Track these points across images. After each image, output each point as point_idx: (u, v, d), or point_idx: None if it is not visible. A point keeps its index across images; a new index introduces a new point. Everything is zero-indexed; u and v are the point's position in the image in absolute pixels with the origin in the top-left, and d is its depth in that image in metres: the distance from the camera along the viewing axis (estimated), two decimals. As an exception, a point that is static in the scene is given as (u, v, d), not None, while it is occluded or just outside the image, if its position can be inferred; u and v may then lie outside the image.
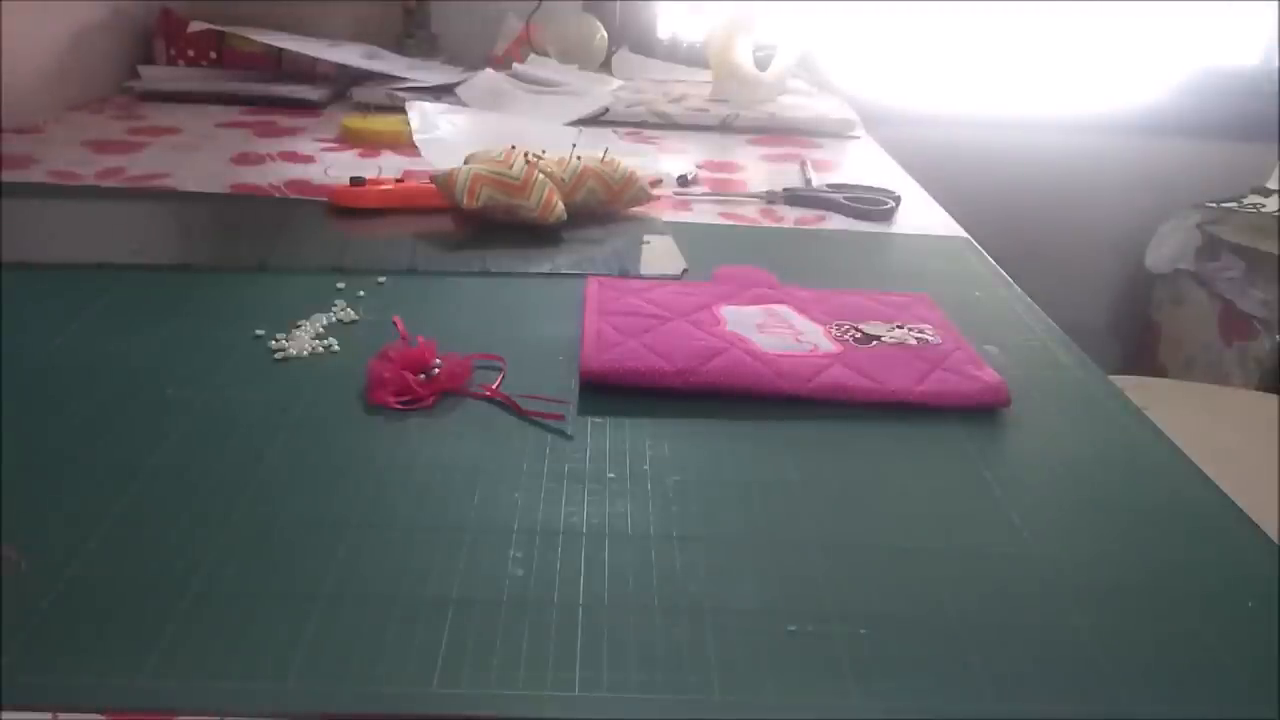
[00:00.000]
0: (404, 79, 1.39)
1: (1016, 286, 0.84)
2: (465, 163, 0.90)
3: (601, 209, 0.95)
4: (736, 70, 1.45)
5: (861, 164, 1.24)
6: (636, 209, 0.97)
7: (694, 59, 1.69)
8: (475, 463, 0.54)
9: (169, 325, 0.68)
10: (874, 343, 0.68)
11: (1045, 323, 0.77)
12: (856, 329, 0.70)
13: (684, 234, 0.91)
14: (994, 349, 0.70)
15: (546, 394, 0.60)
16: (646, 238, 0.90)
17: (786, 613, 0.44)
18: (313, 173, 1.05)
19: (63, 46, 1.30)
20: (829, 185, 1.08)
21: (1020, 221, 1.90)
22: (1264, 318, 1.69)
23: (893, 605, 0.45)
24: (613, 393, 0.61)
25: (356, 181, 0.94)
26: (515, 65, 1.49)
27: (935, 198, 1.10)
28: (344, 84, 1.41)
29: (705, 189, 1.07)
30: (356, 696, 0.38)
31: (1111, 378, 0.69)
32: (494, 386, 0.61)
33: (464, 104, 1.33)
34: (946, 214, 1.05)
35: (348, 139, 1.19)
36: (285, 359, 0.64)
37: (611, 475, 0.54)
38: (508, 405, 0.60)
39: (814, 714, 0.39)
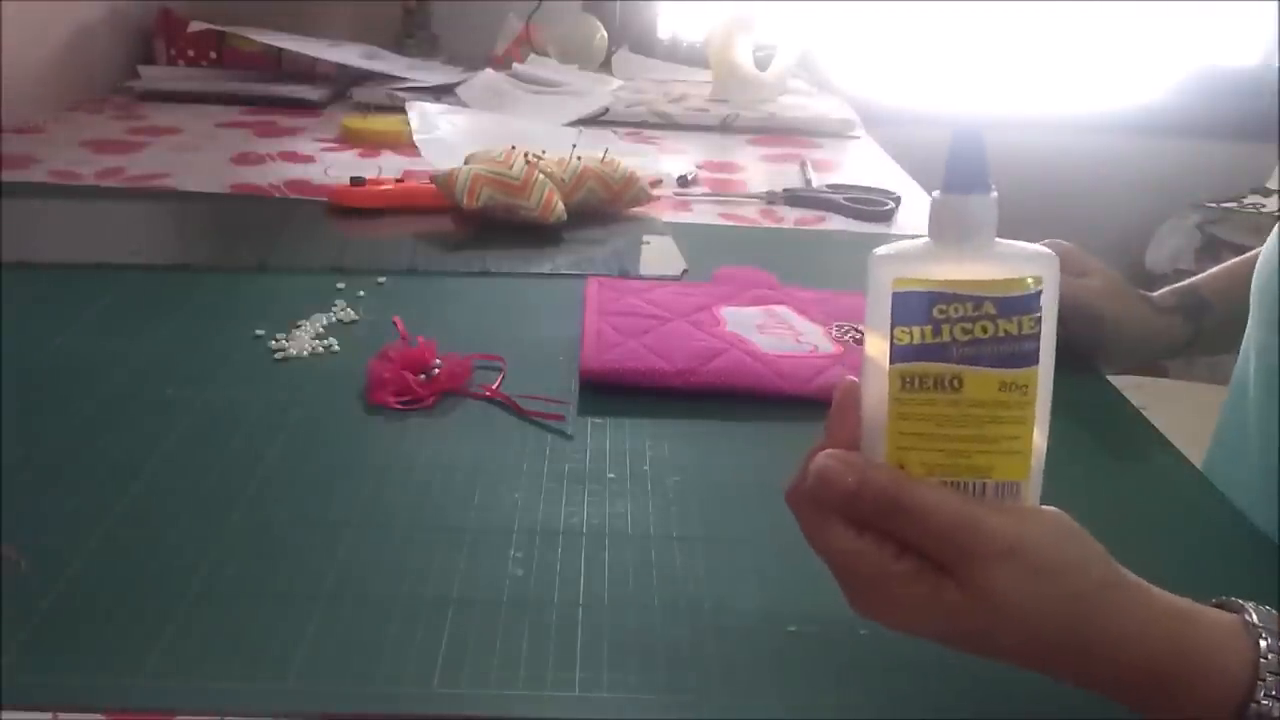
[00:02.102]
0: (404, 79, 1.39)
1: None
2: (465, 163, 0.90)
3: (601, 209, 0.95)
4: (736, 70, 1.45)
5: (861, 164, 1.24)
6: (636, 209, 0.97)
7: (694, 59, 1.68)
8: (475, 463, 0.54)
9: (169, 325, 0.68)
10: (874, 343, 0.68)
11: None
12: (857, 330, 0.70)
13: (684, 234, 0.91)
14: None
15: (546, 394, 0.60)
16: (646, 238, 0.90)
17: (786, 613, 0.44)
18: (313, 173, 1.05)
19: (63, 46, 1.30)
20: (829, 185, 1.08)
21: (1020, 221, 1.89)
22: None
23: (893, 605, 0.45)
24: (613, 393, 0.61)
25: (356, 181, 0.94)
26: (515, 65, 1.49)
27: (935, 198, 1.10)
28: (344, 84, 1.41)
29: (705, 189, 1.07)
30: (356, 696, 0.38)
31: (1111, 378, 0.69)
32: (494, 386, 0.61)
33: (464, 104, 1.33)
34: (946, 214, 1.05)
35: (348, 139, 1.19)
36: (285, 359, 0.64)
37: (611, 475, 0.54)
38: (508, 405, 0.60)
39: (814, 714, 0.39)
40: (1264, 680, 0.34)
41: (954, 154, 0.35)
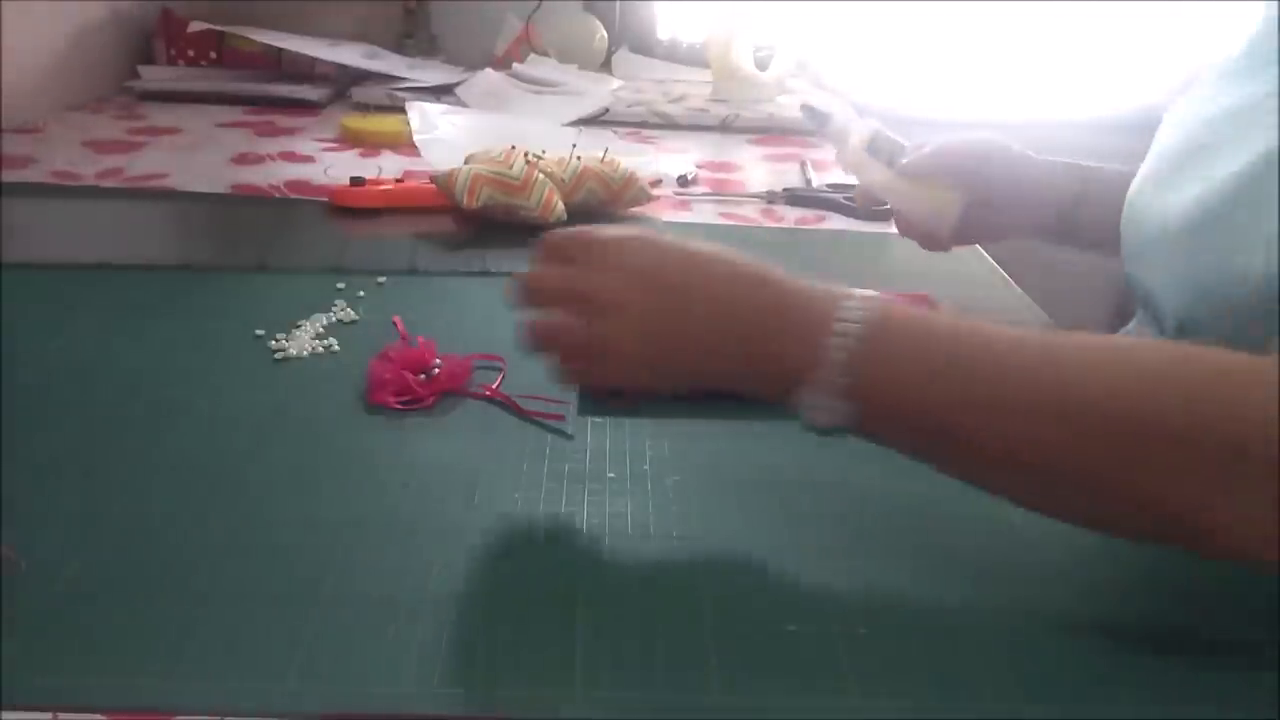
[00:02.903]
0: (404, 79, 1.39)
1: (1016, 287, 0.84)
2: (465, 163, 0.90)
3: (601, 209, 0.95)
4: (736, 70, 1.45)
5: (861, 164, 1.24)
6: (636, 209, 0.97)
7: (694, 59, 1.68)
8: (475, 463, 0.54)
9: (169, 325, 0.68)
10: (874, 343, 0.68)
11: (1045, 322, 0.77)
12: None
13: (684, 234, 0.91)
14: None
15: (546, 394, 0.60)
16: (646, 238, 0.90)
17: (786, 613, 0.44)
18: (313, 173, 1.05)
19: (63, 46, 1.30)
20: (829, 185, 1.08)
21: (1020, 221, 1.89)
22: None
23: (893, 605, 0.45)
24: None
25: (356, 181, 0.94)
26: (515, 65, 1.49)
27: (935, 198, 1.10)
28: (344, 84, 1.41)
29: (705, 189, 1.07)
30: (356, 696, 0.38)
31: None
32: (494, 386, 0.61)
33: (464, 104, 1.33)
34: (946, 214, 1.04)
35: (348, 139, 1.19)
36: (285, 359, 0.64)
37: (611, 475, 0.54)
38: (508, 405, 0.60)
39: (814, 714, 0.39)
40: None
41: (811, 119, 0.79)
